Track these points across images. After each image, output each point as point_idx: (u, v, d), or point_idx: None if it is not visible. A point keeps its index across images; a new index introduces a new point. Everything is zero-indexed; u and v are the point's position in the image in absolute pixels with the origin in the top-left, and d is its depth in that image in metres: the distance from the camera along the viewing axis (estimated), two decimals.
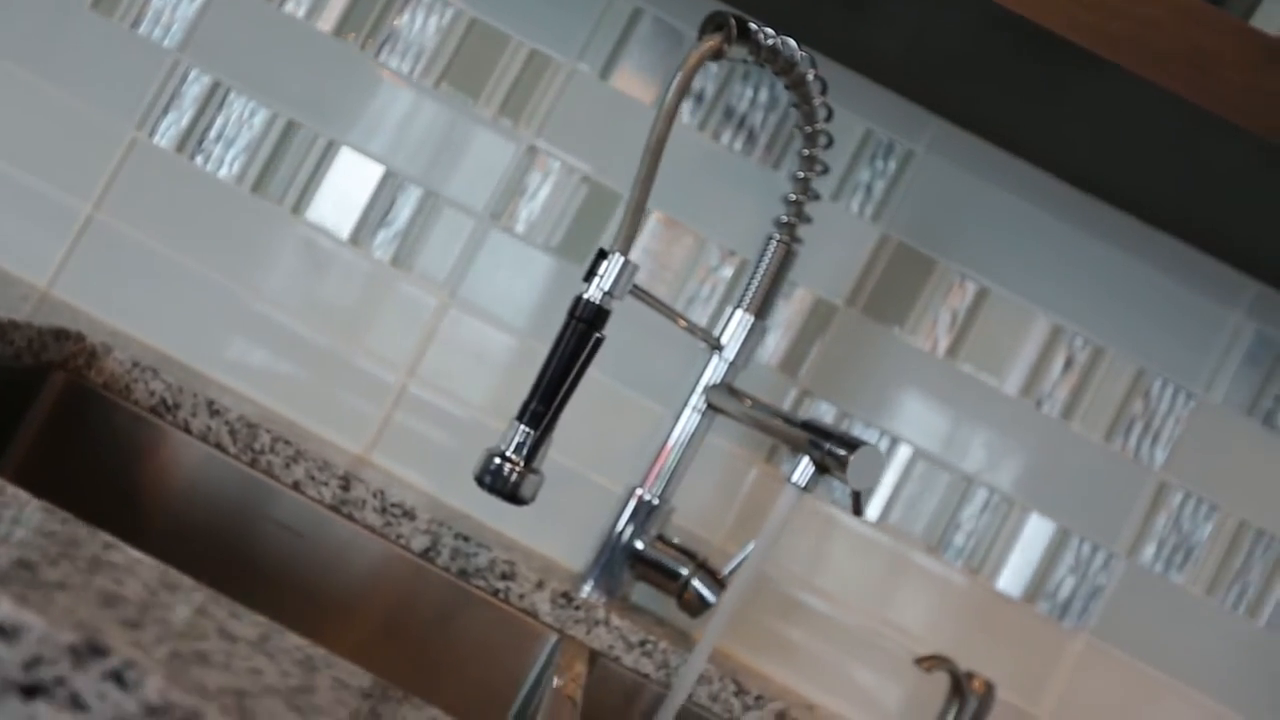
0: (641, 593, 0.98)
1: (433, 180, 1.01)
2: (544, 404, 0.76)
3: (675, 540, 0.94)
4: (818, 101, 0.88)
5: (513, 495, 0.77)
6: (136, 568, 0.41)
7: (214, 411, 0.88)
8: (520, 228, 1.01)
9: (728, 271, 1.01)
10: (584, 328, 0.76)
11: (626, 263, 0.77)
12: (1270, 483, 0.98)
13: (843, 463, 0.79)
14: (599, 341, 0.76)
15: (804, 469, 0.81)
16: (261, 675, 0.37)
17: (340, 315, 1.00)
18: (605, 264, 0.77)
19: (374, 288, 1.01)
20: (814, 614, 0.99)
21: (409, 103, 1.01)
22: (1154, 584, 0.98)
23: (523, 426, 0.76)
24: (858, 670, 0.99)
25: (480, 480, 0.77)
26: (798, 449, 0.82)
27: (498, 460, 0.76)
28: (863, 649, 0.99)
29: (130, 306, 1.00)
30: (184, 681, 0.34)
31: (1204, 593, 0.98)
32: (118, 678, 0.33)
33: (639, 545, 0.92)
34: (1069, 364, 1.00)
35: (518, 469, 0.76)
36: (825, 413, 1.00)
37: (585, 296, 0.77)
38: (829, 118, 0.90)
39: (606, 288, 0.77)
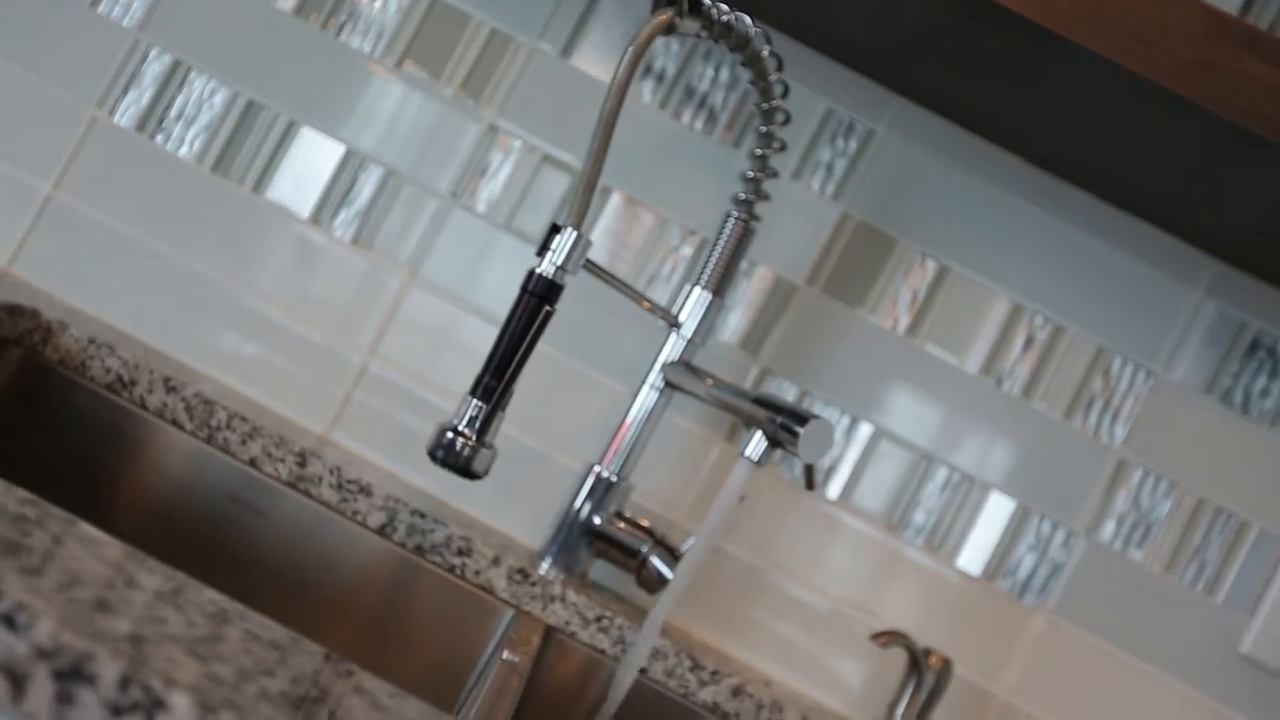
0: (601, 570, 0.98)
1: (394, 159, 1.01)
2: (496, 378, 0.76)
3: (633, 517, 0.94)
4: (773, 78, 0.88)
5: (465, 469, 0.77)
6: (48, 522, 0.41)
7: (170, 388, 0.88)
8: (481, 207, 1.01)
9: (688, 250, 1.01)
10: (536, 301, 0.76)
11: (579, 237, 0.77)
12: (1228, 460, 0.99)
13: (794, 436, 0.79)
14: (549, 315, 0.76)
15: (756, 443, 0.81)
16: (165, 624, 0.37)
17: (301, 294, 1.00)
18: (558, 239, 0.77)
19: (335, 267, 1.01)
20: (774, 592, 0.99)
21: (370, 82, 1.01)
22: (1113, 561, 0.99)
23: (475, 400, 0.76)
24: (817, 647, 0.99)
25: (433, 455, 0.77)
26: (752, 424, 0.82)
27: (450, 435, 0.76)
28: (822, 626, 0.99)
29: (90, 285, 1.00)
30: (78, 625, 0.34)
31: (1163, 570, 0.99)
32: (8, 620, 0.33)
33: (597, 522, 0.92)
34: (1029, 342, 1.00)
35: (470, 443, 0.76)
36: (786, 391, 1.00)
37: (538, 271, 0.77)
38: (785, 94, 0.90)
39: (559, 262, 0.77)
